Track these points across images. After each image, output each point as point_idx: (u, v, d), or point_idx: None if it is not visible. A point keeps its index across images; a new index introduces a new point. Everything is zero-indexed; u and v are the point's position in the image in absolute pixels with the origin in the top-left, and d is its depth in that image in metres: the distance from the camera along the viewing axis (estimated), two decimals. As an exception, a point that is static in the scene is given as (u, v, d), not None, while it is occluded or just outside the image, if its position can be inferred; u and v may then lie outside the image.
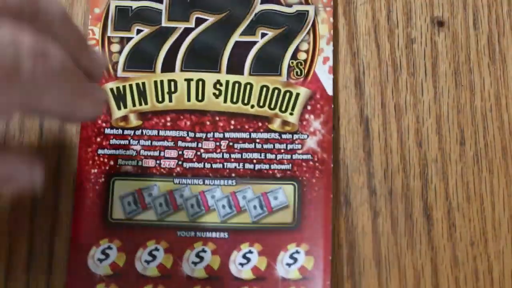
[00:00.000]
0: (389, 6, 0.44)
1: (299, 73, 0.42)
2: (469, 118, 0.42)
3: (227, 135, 0.41)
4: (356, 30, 0.43)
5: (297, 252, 0.39)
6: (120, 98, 0.41)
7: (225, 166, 0.41)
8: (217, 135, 0.41)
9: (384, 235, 0.40)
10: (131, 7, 0.43)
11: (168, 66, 0.42)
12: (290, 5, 0.43)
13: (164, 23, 0.43)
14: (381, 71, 0.43)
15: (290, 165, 0.41)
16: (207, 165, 0.41)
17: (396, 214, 0.40)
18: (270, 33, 0.43)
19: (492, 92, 0.42)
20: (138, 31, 0.42)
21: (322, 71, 0.42)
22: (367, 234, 0.40)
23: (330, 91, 0.42)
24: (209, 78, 0.42)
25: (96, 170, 0.40)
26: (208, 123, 0.41)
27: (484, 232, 0.40)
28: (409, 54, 0.43)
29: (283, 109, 0.41)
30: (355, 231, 0.40)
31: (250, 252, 0.40)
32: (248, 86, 0.42)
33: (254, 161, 0.41)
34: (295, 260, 0.39)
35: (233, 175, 0.41)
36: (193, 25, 0.43)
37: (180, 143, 0.41)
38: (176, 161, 0.41)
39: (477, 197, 0.41)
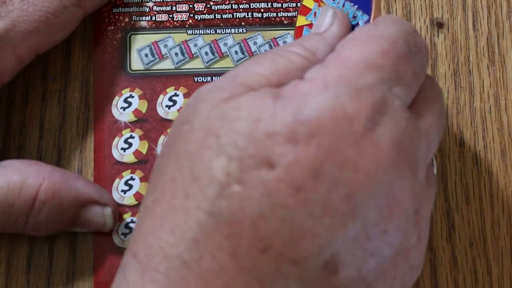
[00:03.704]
0: (388, 7, 0.44)
1: None
2: (468, 119, 0.42)
3: None
4: (355, 32, 0.43)
5: None
6: None
7: (235, 16, 0.43)
8: None
9: (383, 236, 0.40)
10: None
11: None
12: None
13: None
14: (381, 73, 0.43)
15: (296, 12, 0.43)
16: (218, 16, 0.43)
17: (395, 215, 0.41)
18: None
19: (492, 94, 0.42)
20: None
21: None
22: (366, 235, 0.40)
23: None
24: None
25: (112, 27, 0.43)
26: None
27: (483, 233, 0.40)
28: (408, 56, 0.43)
29: None
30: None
31: None
32: None
33: (262, 10, 0.43)
34: None
35: (243, 23, 0.43)
36: None
37: None
38: (188, 14, 0.43)
39: (476, 199, 0.41)
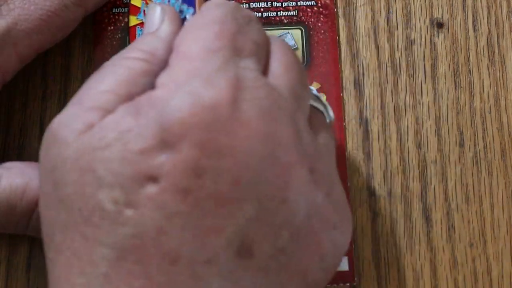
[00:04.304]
0: (388, 7, 0.44)
1: None
2: (468, 119, 0.42)
3: None
4: (355, 32, 0.43)
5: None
6: None
7: None
8: None
9: (383, 236, 0.40)
10: None
11: None
12: None
13: None
14: (381, 73, 0.43)
15: (296, 11, 0.43)
16: None
17: (395, 215, 0.41)
18: None
19: (491, 94, 0.42)
20: None
21: None
22: (366, 235, 0.40)
23: None
24: None
25: (112, 27, 0.43)
26: None
27: (483, 233, 0.40)
28: (408, 56, 0.43)
29: None
30: (354, 232, 0.40)
31: None
32: None
33: (262, 9, 0.43)
34: None
35: None
36: None
37: None
38: None
39: (476, 199, 0.41)
